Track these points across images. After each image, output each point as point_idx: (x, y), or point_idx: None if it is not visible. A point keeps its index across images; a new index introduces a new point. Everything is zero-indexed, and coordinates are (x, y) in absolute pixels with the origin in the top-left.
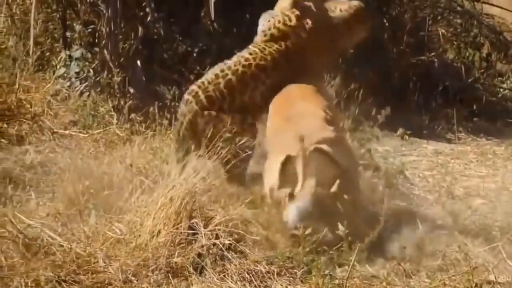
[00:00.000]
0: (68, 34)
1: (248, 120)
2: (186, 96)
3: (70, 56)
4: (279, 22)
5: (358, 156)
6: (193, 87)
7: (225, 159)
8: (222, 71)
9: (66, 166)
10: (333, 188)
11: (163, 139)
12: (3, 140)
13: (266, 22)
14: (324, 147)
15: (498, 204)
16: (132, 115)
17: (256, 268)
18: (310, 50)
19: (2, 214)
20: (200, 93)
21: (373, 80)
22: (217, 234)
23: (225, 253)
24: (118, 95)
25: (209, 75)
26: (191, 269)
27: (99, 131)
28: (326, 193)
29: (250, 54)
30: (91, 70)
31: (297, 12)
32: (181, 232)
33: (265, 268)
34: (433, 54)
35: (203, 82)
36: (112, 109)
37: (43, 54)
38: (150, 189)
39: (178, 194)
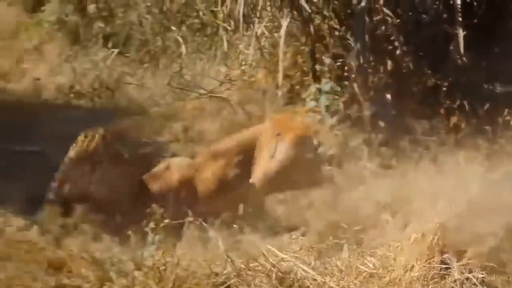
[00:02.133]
0: (317, 67)
1: None
2: None
3: (319, 90)
4: None
5: None
6: None
7: None
8: None
9: (317, 200)
10: None
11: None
12: None
13: None
14: None
15: None
16: (383, 149)
17: None
18: None
19: (257, 248)
20: None
21: None
22: (470, 268)
23: (479, 287)
24: (368, 128)
25: None
26: None
27: (349, 164)
28: None
29: None
30: (340, 104)
31: None
32: (433, 267)
33: None
34: None
35: None
36: (362, 143)
37: (293, 88)
38: (401, 224)
39: (431, 229)
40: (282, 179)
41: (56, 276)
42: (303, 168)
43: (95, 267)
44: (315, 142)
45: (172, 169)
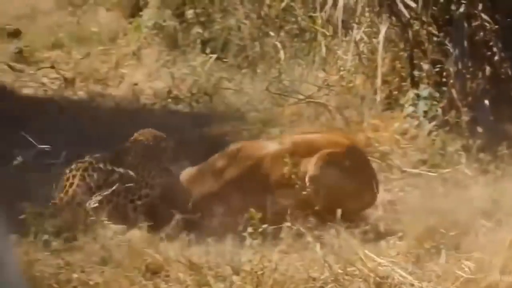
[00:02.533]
0: (415, 73)
1: None
2: None
3: (418, 95)
4: None
5: None
6: None
7: None
8: None
9: (415, 205)
10: None
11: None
12: None
13: None
14: None
15: None
16: (481, 155)
17: None
18: None
19: (354, 253)
20: None
21: None
22: None
23: None
24: (466, 134)
25: None
26: None
27: (448, 170)
28: None
29: None
30: (439, 109)
31: None
32: None
33: None
34: None
35: None
36: (460, 148)
37: (391, 93)
38: (498, 229)
39: None
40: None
41: (153, 280)
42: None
43: (192, 272)
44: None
45: (244, 151)
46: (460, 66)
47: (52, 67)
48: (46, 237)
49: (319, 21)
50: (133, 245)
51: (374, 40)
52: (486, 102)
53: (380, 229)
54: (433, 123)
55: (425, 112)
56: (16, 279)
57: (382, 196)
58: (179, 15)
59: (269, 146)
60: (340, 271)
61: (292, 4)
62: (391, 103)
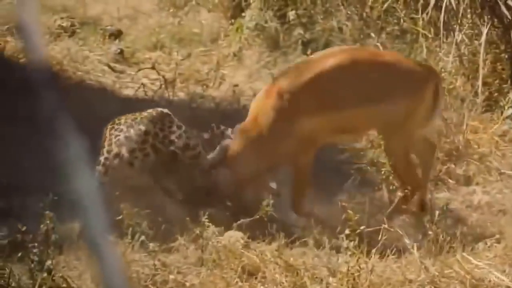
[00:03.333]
0: None
1: None
2: None
3: None
4: None
5: None
6: None
7: None
8: None
9: None
10: None
11: None
12: (450, 180)
13: None
14: None
15: None
16: None
17: None
18: None
19: (451, 255)
20: None
21: None
22: None
23: None
24: None
25: None
26: None
27: None
28: None
29: None
30: None
31: None
32: None
33: None
34: None
35: None
36: None
37: (491, 95)
38: None
39: None
40: None
41: (249, 282)
42: None
43: (289, 273)
44: None
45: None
46: None
47: (153, 68)
48: (143, 238)
49: (421, 23)
50: (230, 246)
51: (475, 41)
52: None
53: (477, 231)
54: None
55: None
56: (119, 280)
57: (480, 198)
58: (281, 17)
59: (327, 61)
60: (436, 273)
61: (394, 5)
62: (491, 105)
